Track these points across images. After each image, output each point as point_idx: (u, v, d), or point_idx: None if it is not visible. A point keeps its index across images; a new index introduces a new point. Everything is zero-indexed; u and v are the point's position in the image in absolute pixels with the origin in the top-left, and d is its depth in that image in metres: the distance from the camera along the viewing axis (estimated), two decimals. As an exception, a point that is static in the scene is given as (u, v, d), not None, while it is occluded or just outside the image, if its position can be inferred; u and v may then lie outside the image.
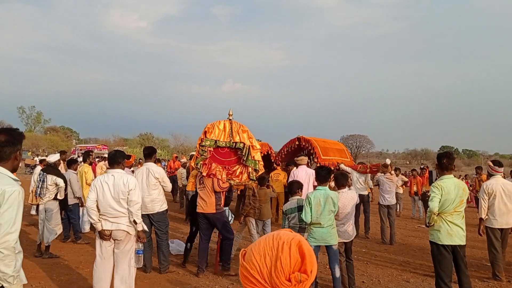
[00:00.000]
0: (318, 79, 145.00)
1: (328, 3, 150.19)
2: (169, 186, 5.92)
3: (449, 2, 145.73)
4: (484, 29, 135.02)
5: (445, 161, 4.54)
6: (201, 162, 5.87)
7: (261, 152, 6.44)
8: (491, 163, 6.13)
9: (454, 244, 4.41)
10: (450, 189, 4.40)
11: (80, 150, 26.65)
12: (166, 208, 5.88)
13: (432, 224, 4.49)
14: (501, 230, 5.91)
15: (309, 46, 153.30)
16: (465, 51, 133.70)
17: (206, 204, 5.75)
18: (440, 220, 4.44)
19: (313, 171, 7.87)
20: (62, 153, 9.60)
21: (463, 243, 4.46)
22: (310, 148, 10.23)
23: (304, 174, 7.19)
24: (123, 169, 4.53)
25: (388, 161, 9.05)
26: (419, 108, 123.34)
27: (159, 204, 5.72)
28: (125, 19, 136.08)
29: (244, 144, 5.97)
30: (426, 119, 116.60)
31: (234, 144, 5.94)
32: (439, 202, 4.42)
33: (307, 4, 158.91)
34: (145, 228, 4.53)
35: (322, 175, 5.04)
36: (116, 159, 4.46)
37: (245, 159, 5.99)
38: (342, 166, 9.28)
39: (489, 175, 6.19)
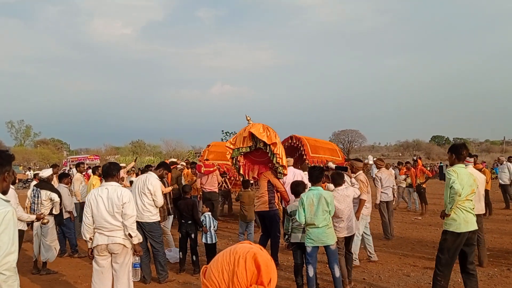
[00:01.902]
0: (307, 76, 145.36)
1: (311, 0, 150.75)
2: (159, 201, 5.75)
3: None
4: (472, 18, 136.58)
5: (465, 152, 4.60)
6: (241, 171, 6.36)
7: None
8: None
9: (470, 230, 4.48)
10: (463, 176, 4.48)
11: (72, 161, 26.42)
12: (158, 219, 5.82)
13: (449, 214, 4.53)
14: (478, 215, 6.15)
15: (296, 44, 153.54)
16: (452, 41, 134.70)
17: (260, 202, 6.28)
18: (455, 209, 4.49)
19: (301, 171, 7.93)
20: (54, 166, 9.49)
21: (476, 228, 4.59)
22: (300, 145, 10.33)
23: (291, 175, 7.26)
24: (118, 181, 4.49)
25: (370, 158, 9.13)
26: (408, 99, 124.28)
27: (148, 215, 5.65)
28: (109, 27, 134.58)
29: (265, 142, 6.07)
30: (416, 110, 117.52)
31: (254, 146, 6.06)
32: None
33: (291, 2, 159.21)
34: (140, 238, 4.49)
35: (315, 175, 5.04)
36: (111, 172, 4.40)
37: (271, 157, 6.14)
38: (330, 164, 9.34)
39: None
